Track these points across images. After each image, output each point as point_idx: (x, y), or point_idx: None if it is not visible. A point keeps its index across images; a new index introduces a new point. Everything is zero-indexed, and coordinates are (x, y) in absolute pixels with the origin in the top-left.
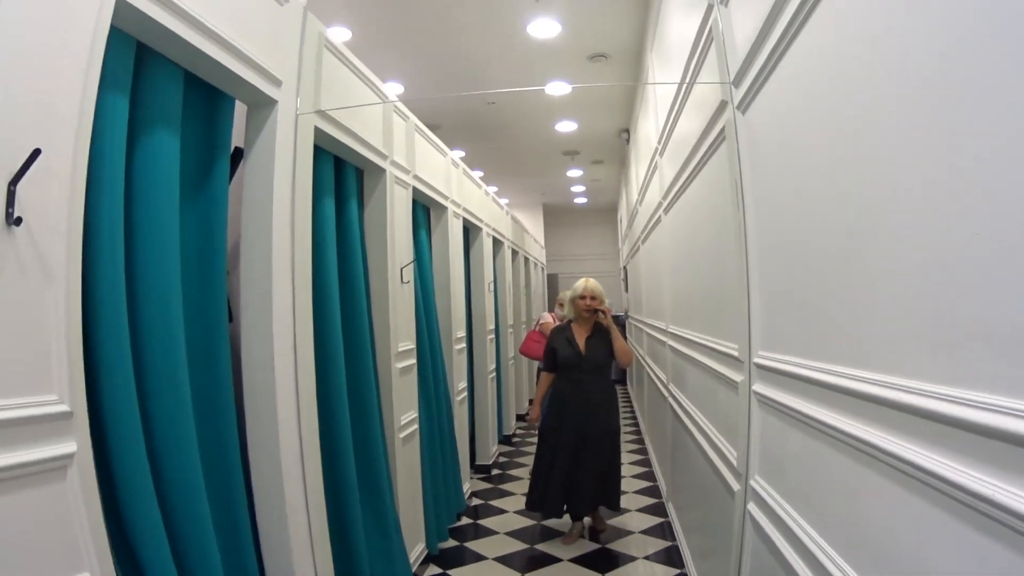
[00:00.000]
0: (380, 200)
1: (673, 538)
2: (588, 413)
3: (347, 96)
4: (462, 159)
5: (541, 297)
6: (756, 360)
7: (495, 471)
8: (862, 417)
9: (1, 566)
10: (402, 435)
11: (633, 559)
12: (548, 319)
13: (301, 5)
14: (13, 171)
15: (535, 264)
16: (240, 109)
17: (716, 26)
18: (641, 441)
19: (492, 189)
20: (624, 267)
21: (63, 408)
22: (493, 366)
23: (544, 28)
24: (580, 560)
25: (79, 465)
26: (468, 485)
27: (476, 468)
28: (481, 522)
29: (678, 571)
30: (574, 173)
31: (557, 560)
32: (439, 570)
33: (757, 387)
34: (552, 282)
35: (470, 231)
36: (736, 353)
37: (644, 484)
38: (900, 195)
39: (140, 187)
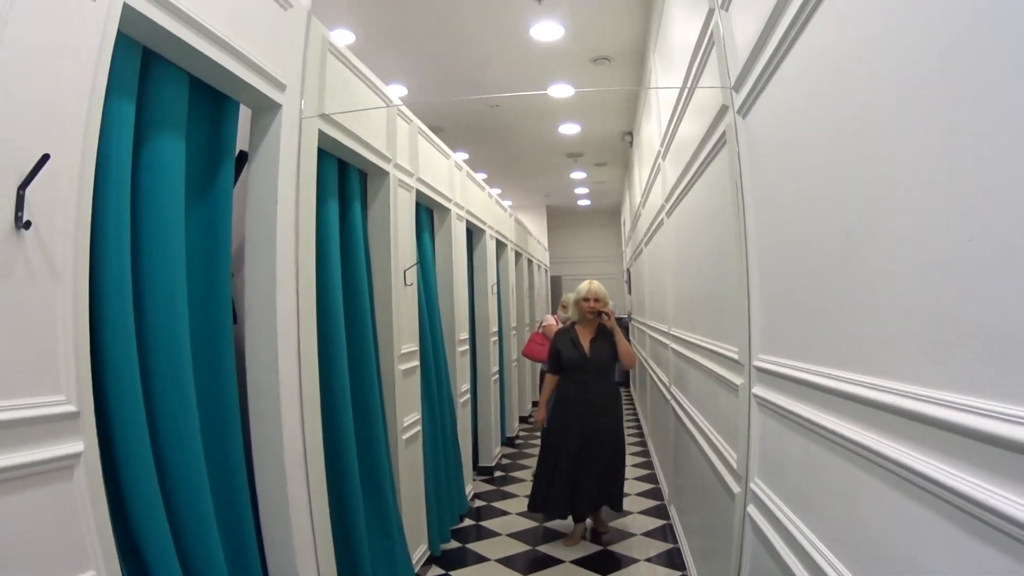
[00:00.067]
0: (383, 203)
1: (675, 540)
2: (592, 415)
3: (351, 99)
4: (465, 161)
5: (544, 299)
6: (756, 363)
7: (498, 473)
8: (860, 421)
9: (9, 563)
10: (405, 436)
11: (635, 561)
12: (551, 321)
13: (305, 9)
14: (23, 175)
15: (538, 266)
16: (244, 113)
17: (717, 30)
18: (644, 443)
19: (495, 191)
20: (627, 269)
21: (70, 408)
22: (496, 368)
23: (547, 31)
24: (582, 562)
25: (86, 465)
26: (471, 487)
27: (479, 470)
28: (483, 523)
29: (679, 573)
30: (578, 175)
31: (559, 562)
32: (441, 571)
33: (757, 390)
34: (555, 284)
35: (473, 233)
36: (736, 356)
37: (646, 486)
38: (900, 195)
39: (146, 190)
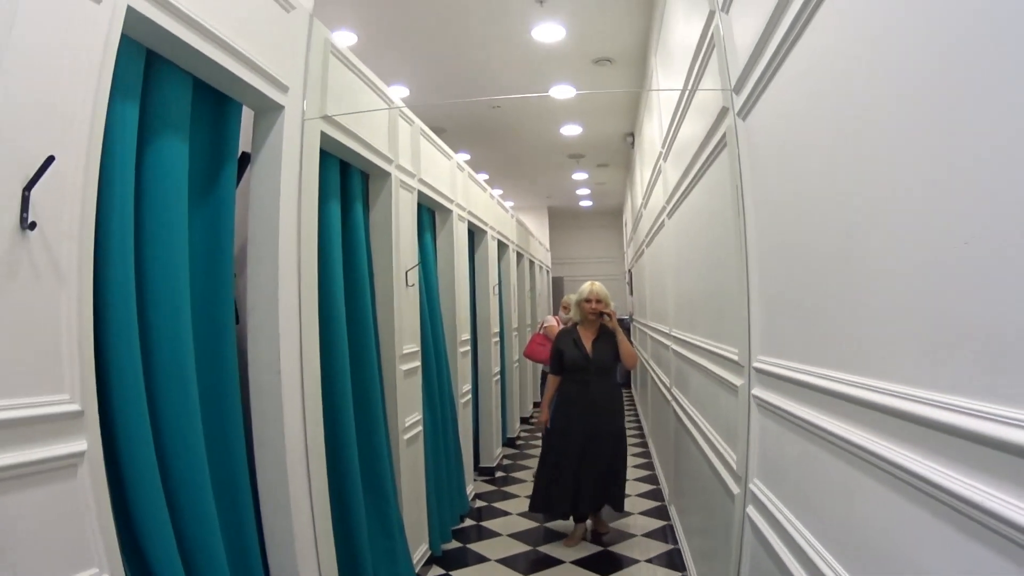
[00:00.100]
0: (385, 204)
1: (675, 541)
2: (594, 415)
3: (353, 101)
4: (467, 162)
5: (546, 300)
6: (755, 364)
7: (499, 473)
8: (859, 423)
9: (14, 561)
10: (406, 437)
11: (635, 562)
12: (552, 322)
13: (307, 12)
14: (28, 177)
15: (540, 267)
16: (247, 114)
17: (717, 32)
18: (645, 444)
19: (497, 192)
20: (629, 270)
21: (74, 407)
22: (497, 369)
23: (549, 32)
24: (583, 562)
25: (90, 463)
26: (471, 487)
27: (480, 470)
28: (484, 524)
29: (679, 574)
30: (579, 176)
31: (560, 562)
32: (442, 571)
33: (756, 391)
34: (557, 285)
35: (475, 234)
36: (736, 357)
37: (647, 487)
38: (900, 195)
39: (150, 191)
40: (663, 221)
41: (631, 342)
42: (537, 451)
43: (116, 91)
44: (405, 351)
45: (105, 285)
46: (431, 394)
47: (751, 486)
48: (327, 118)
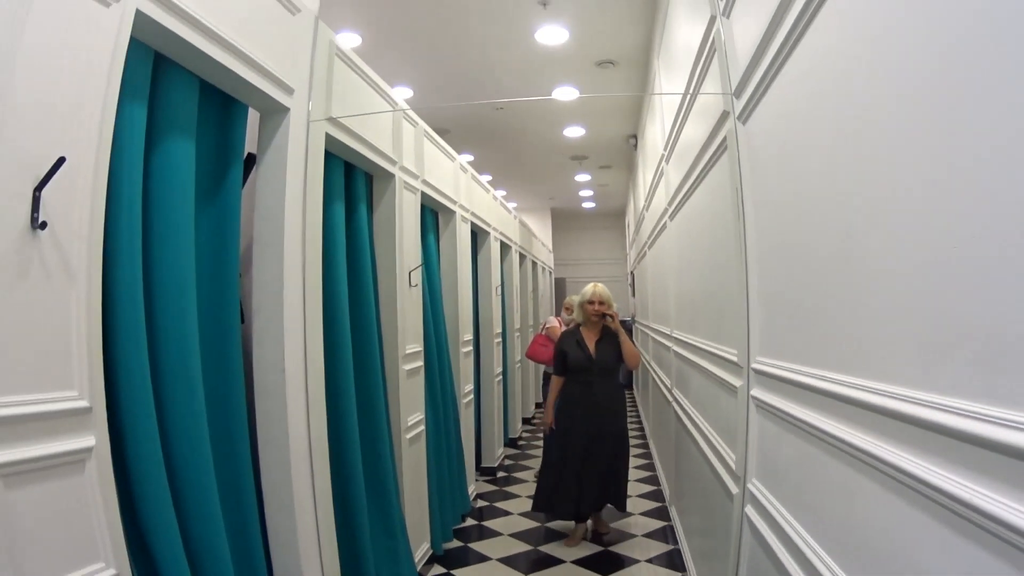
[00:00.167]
0: (389, 205)
1: (675, 542)
2: (597, 416)
3: (357, 102)
4: (470, 163)
5: (549, 301)
6: (754, 365)
7: (500, 474)
8: (857, 424)
9: (22, 553)
10: (408, 436)
11: (636, 562)
12: (554, 323)
13: (313, 15)
14: (39, 177)
15: (543, 268)
16: (253, 116)
17: (719, 37)
18: (646, 445)
19: (500, 193)
20: (631, 272)
21: (83, 404)
22: (499, 369)
23: (552, 35)
24: (583, 562)
25: (97, 459)
26: (473, 487)
27: (481, 470)
28: (485, 523)
29: (679, 574)
30: (582, 178)
31: (560, 562)
32: (443, 570)
33: (755, 392)
34: (560, 286)
35: (478, 235)
36: (735, 358)
37: (648, 488)
38: (900, 195)
39: (157, 192)
40: (665, 223)
41: (633, 343)
42: (538, 451)
43: (125, 93)
44: (408, 351)
45: (113, 284)
46: (433, 394)
47: (749, 486)
48: (332, 120)
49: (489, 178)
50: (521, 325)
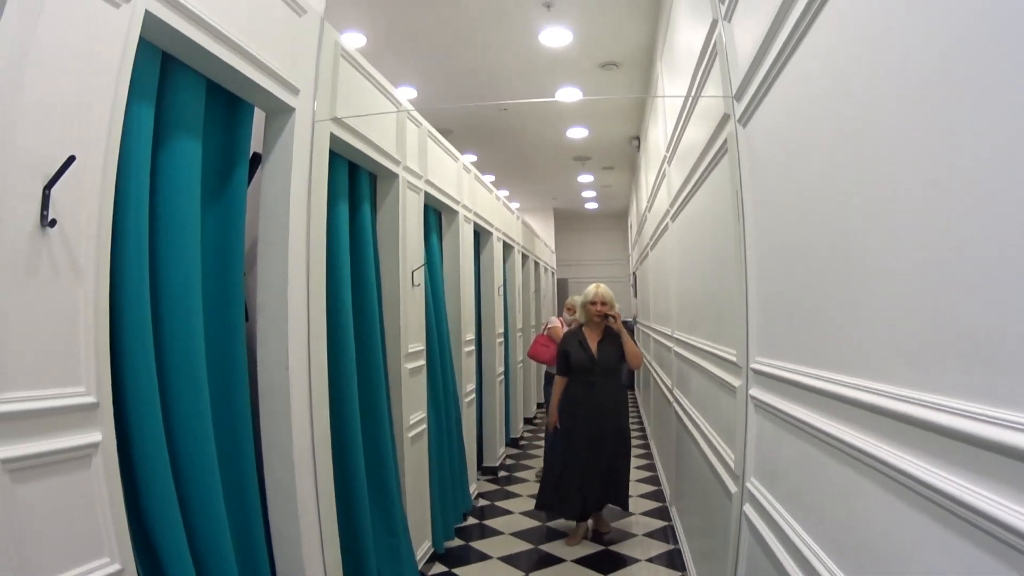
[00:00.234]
0: (392, 204)
1: (676, 541)
2: (600, 415)
3: (362, 103)
4: (474, 164)
5: (551, 301)
6: (753, 365)
7: (502, 473)
8: (855, 424)
9: (28, 547)
10: (411, 435)
11: (636, 561)
12: (556, 324)
13: (318, 16)
14: (48, 176)
15: (545, 268)
16: (259, 116)
17: (720, 40)
18: (647, 445)
19: (503, 193)
20: (633, 273)
21: (90, 399)
22: (501, 369)
23: (556, 36)
24: (584, 561)
25: (103, 454)
26: (475, 486)
27: (483, 470)
28: (487, 522)
29: (679, 574)
30: (585, 179)
31: (561, 560)
32: (445, 568)
33: (754, 392)
34: (562, 286)
35: (481, 235)
36: (735, 359)
37: (649, 488)
38: (900, 195)
39: (164, 191)
40: (667, 224)
41: (635, 343)
42: (540, 451)
43: (133, 93)
44: (410, 350)
45: (120, 282)
46: (435, 393)
47: (748, 485)
48: (337, 120)
49: (492, 178)
50: (523, 325)
